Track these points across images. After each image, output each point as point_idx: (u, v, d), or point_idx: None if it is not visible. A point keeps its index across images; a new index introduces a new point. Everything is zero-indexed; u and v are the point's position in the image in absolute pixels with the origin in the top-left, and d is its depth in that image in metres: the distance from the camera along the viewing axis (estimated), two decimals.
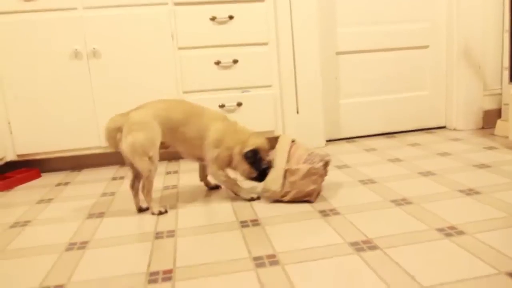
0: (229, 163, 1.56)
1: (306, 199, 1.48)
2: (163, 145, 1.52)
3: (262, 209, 1.46)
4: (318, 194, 1.53)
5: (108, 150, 2.15)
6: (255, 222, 1.34)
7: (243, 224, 1.34)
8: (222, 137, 1.51)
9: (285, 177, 1.47)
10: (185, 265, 1.09)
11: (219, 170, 1.55)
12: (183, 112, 1.51)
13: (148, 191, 1.49)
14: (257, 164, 1.51)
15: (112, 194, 1.77)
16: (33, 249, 1.26)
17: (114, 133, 1.44)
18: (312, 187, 1.46)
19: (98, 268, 1.12)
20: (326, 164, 1.50)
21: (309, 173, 1.45)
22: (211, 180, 1.72)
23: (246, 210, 1.47)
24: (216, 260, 1.11)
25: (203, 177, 1.74)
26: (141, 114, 1.45)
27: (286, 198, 1.48)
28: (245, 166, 1.52)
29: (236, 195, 1.59)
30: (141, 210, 1.53)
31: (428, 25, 2.54)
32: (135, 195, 1.54)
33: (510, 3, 1.99)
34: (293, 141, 1.57)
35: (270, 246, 1.16)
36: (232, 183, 1.58)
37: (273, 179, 1.48)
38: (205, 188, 1.75)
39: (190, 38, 2.13)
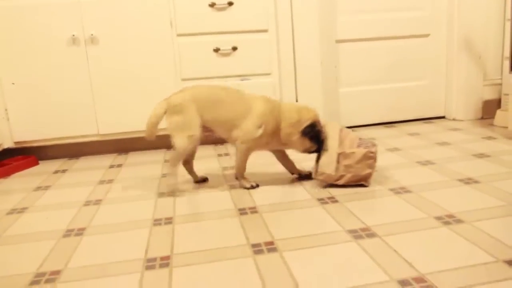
0: (263, 146, 1.56)
1: (361, 183, 1.48)
2: (205, 129, 1.54)
3: (260, 197, 1.46)
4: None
5: (105, 138, 2.15)
6: (253, 210, 1.34)
7: (242, 211, 1.33)
8: (266, 119, 1.49)
9: (338, 160, 1.46)
10: (182, 252, 1.09)
11: (249, 151, 1.54)
12: (224, 95, 1.53)
13: (173, 162, 1.53)
14: (317, 136, 1.51)
15: (110, 181, 1.76)
16: (30, 236, 1.26)
17: (160, 118, 1.50)
18: (368, 171, 1.45)
19: (95, 254, 1.11)
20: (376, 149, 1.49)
21: (365, 157, 1.44)
22: (307, 166, 1.68)
23: (244, 198, 1.46)
24: (213, 247, 1.10)
25: (290, 167, 1.67)
26: (180, 97, 1.51)
27: (341, 182, 1.47)
28: (305, 142, 1.51)
29: (237, 180, 1.59)
30: (198, 181, 1.67)
31: (428, 13, 2.51)
32: (190, 170, 1.67)
33: None
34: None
35: (268, 233, 1.16)
36: (243, 170, 1.57)
37: (327, 163, 1.47)
38: (208, 177, 1.74)
39: (189, 24, 2.11)
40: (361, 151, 1.45)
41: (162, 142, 2.30)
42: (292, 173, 1.67)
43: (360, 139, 1.53)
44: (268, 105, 1.52)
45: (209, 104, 1.51)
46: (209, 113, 1.50)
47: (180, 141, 1.48)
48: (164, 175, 1.79)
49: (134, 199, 1.53)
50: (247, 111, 1.50)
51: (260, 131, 1.49)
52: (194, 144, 1.52)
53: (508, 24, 2.22)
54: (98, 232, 1.26)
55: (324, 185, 1.52)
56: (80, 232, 1.26)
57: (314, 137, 1.50)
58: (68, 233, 1.26)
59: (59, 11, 2.00)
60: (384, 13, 2.45)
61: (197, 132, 1.49)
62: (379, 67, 2.52)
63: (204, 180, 1.69)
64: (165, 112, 1.50)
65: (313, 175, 1.53)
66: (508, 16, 2.34)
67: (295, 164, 1.66)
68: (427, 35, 2.54)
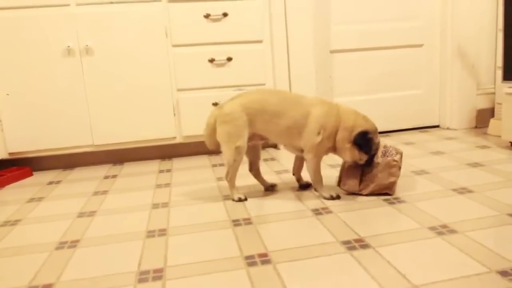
0: (328, 151, 1.50)
1: (385, 191, 1.47)
2: (260, 137, 1.53)
3: (254, 207, 1.46)
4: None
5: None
6: (248, 221, 1.34)
7: (236, 222, 1.33)
8: (324, 123, 1.44)
9: (363, 171, 1.48)
10: (176, 264, 1.08)
11: (317, 159, 1.49)
12: (278, 102, 1.47)
13: (230, 179, 1.53)
14: (368, 147, 1.43)
15: (104, 192, 1.76)
16: (23, 248, 1.25)
17: (212, 127, 1.50)
18: (391, 179, 1.45)
19: (88, 267, 1.10)
20: (401, 156, 1.49)
21: (388, 165, 1.44)
22: (304, 177, 1.64)
23: (238, 209, 1.46)
24: (207, 259, 1.10)
25: (296, 171, 1.64)
26: (231, 106, 1.48)
27: (365, 191, 1.48)
28: (355, 152, 1.44)
29: (316, 191, 1.55)
30: (267, 189, 1.63)
31: (422, 23, 2.54)
32: (257, 176, 1.64)
33: (503, 2, 1.99)
34: None
35: (262, 245, 1.16)
36: (319, 178, 1.52)
37: (351, 173, 1.51)
38: (202, 188, 1.74)
39: (184, 35, 2.12)
40: (384, 160, 1.45)
41: (156, 153, 2.30)
42: (293, 174, 1.66)
43: (384, 146, 1.50)
44: (324, 108, 1.46)
45: (263, 113, 1.46)
46: (262, 123, 1.47)
47: (228, 152, 1.47)
48: (158, 185, 1.79)
49: (128, 210, 1.52)
50: (305, 118, 1.45)
51: (319, 138, 1.44)
52: (242, 154, 1.49)
53: (500, 34, 2.24)
54: (92, 244, 1.25)
55: (346, 194, 1.52)
56: (74, 244, 1.25)
57: (365, 146, 1.43)
58: (61, 245, 1.25)
59: (54, 22, 2.00)
60: (378, 23, 2.48)
61: (244, 143, 1.47)
62: (373, 76, 2.53)
63: (272, 186, 1.65)
64: (215, 121, 1.49)
65: (337, 184, 1.55)
66: (500, 26, 2.36)
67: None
68: (421, 45, 2.56)
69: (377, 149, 1.47)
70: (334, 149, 1.49)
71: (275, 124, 1.46)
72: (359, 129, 1.43)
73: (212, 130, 1.50)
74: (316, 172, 1.51)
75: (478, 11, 2.47)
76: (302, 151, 1.51)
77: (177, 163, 2.18)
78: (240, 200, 1.52)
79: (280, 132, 1.48)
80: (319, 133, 1.44)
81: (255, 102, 1.47)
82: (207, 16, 2.11)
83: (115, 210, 1.53)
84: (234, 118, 1.45)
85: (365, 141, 1.42)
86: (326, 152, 1.50)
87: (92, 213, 1.51)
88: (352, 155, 1.45)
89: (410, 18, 2.52)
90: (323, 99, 1.52)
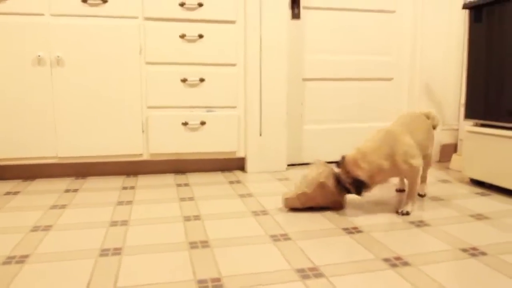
0: None
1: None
2: None
3: (213, 230, 1.45)
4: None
5: (63, 162, 2.10)
6: (205, 244, 1.32)
7: (193, 245, 1.32)
8: None
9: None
10: (126, 286, 1.06)
11: None
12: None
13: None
14: None
15: (63, 206, 1.71)
16: None
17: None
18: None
19: (35, 285, 1.06)
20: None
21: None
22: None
23: (197, 231, 1.44)
24: (159, 281, 1.08)
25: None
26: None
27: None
28: None
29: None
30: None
31: (392, 58, 2.63)
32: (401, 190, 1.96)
33: (468, 43, 2.08)
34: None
35: (216, 269, 1.14)
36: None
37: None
38: (164, 207, 1.72)
39: (158, 53, 2.12)
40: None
41: (121, 169, 2.27)
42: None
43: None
44: None
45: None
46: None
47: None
48: (120, 203, 1.76)
49: (85, 226, 1.48)
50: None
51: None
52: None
53: (465, 74, 2.34)
54: (41, 260, 1.21)
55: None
56: (22, 259, 1.21)
57: None
58: (8, 260, 1.20)
59: (26, 30, 1.98)
60: (351, 55, 2.55)
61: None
62: (343, 106, 2.59)
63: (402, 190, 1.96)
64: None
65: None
66: (465, 67, 2.47)
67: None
68: (390, 79, 2.64)
69: None
70: None
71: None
72: None
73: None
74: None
75: (446, 49, 2.58)
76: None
77: (142, 181, 2.15)
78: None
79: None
80: None
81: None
82: (182, 36, 2.13)
83: (71, 226, 1.49)
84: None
85: None
86: None
87: (47, 228, 1.47)
88: None
89: (382, 52, 2.60)
90: None
